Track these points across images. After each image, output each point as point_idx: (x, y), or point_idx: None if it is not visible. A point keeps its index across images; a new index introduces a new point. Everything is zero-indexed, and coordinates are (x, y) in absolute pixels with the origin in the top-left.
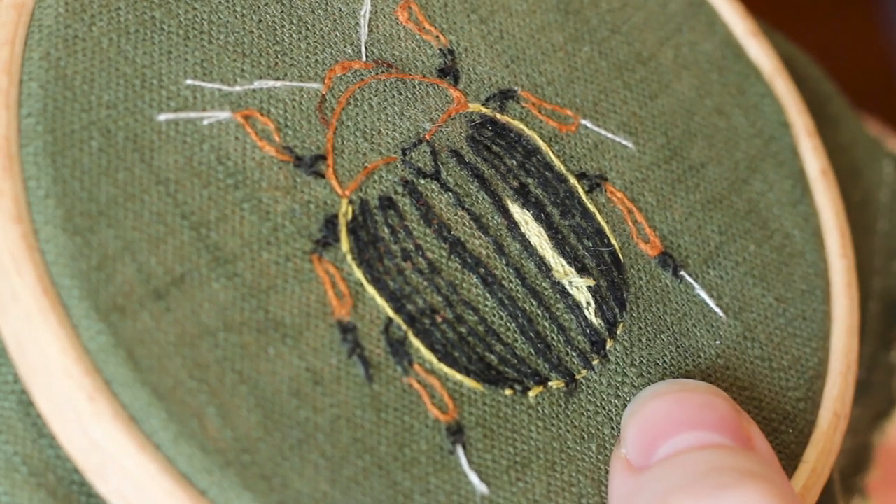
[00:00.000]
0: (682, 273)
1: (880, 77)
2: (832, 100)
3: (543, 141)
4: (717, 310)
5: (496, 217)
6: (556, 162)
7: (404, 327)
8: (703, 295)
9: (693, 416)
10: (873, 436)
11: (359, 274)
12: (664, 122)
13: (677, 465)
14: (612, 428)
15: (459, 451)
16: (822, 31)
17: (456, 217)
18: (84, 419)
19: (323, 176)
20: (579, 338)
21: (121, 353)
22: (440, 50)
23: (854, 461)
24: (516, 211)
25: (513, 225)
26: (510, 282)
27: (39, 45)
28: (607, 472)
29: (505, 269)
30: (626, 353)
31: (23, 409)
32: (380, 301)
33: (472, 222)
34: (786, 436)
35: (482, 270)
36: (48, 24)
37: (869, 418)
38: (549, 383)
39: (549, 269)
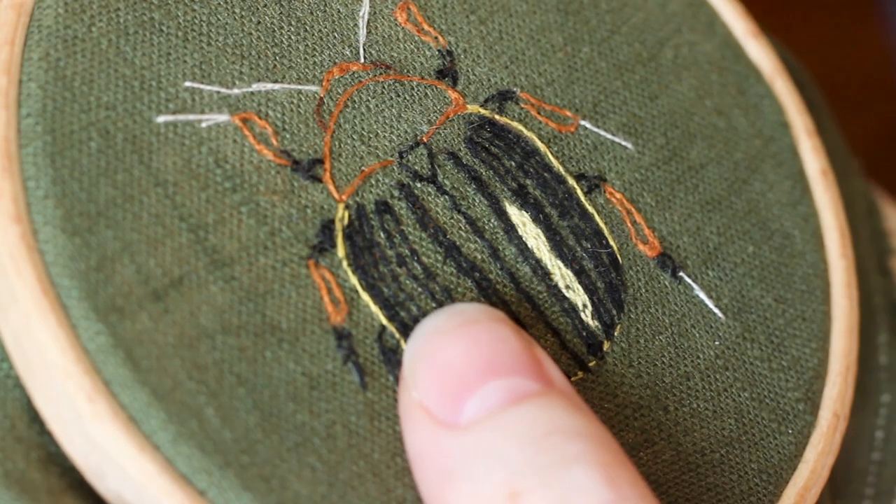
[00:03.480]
0: (681, 274)
1: (880, 77)
2: (822, 108)
3: (542, 142)
4: (716, 310)
5: (493, 220)
6: (555, 163)
7: (397, 335)
8: (702, 296)
9: (490, 357)
10: None
11: (354, 280)
12: (664, 123)
13: (502, 431)
14: (612, 427)
15: None
16: (822, 32)
17: (452, 221)
18: (83, 419)
19: (320, 180)
20: (575, 340)
21: (120, 354)
22: (439, 51)
23: (892, 455)
24: (514, 212)
25: (510, 227)
26: (504, 286)
27: (39, 46)
28: None
29: (499, 273)
30: (624, 355)
31: (27, 403)
32: (374, 308)
33: (467, 226)
34: (785, 436)
35: (477, 275)
36: (47, 24)
37: None
38: None
39: (546, 273)
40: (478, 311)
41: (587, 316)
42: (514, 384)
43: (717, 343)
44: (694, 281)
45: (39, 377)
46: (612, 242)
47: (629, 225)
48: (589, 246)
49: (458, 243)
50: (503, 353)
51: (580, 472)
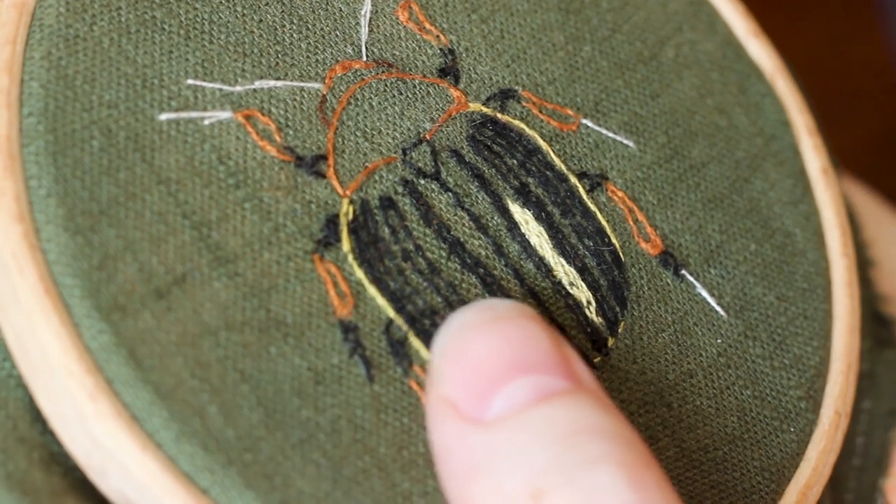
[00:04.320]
0: (683, 272)
1: (880, 77)
2: (812, 115)
3: (544, 140)
4: (718, 308)
5: (496, 217)
6: (557, 161)
7: (405, 328)
8: (705, 294)
9: (520, 353)
10: (890, 433)
11: (360, 274)
12: (665, 122)
13: (528, 429)
14: None
15: None
16: (821, 31)
17: (455, 217)
18: (86, 418)
19: (324, 176)
20: (580, 336)
21: (122, 353)
22: (440, 50)
23: (873, 461)
24: (517, 211)
25: (513, 225)
26: (508, 282)
27: (41, 45)
28: None
29: (504, 269)
30: (628, 352)
31: (29, 403)
32: (381, 301)
33: (471, 223)
34: (787, 434)
35: (481, 271)
36: (49, 23)
37: (883, 413)
38: None
39: (549, 270)
40: (508, 307)
41: (591, 312)
42: (542, 382)
43: (719, 341)
44: (696, 279)
45: (42, 376)
46: (614, 240)
47: (631, 223)
48: (591, 244)
49: (461, 239)
50: (532, 351)
51: (604, 472)
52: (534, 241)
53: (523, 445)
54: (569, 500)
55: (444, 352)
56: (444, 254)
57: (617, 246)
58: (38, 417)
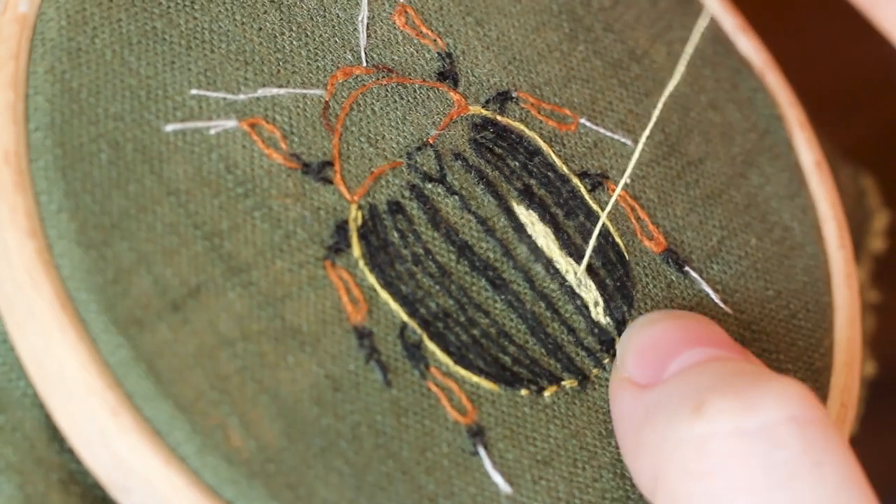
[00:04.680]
0: (687, 269)
1: (880, 77)
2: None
3: (544, 141)
4: (721, 304)
5: (502, 219)
6: (558, 162)
7: (419, 331)
8: (708, 290)
9: (695, 332)
10: None
11: (372, 279)
12: (660, 119)
13: (699, 371)
14: None
15: (482, 451)
16: (821, 32)
17: (463, 220)
18: (108, 434)
19: (331, 182)
20: (589, 338)
21: (141, 367)
22: (438, 53)
23: None
24: (522, 212)
25: (519, 227)
26: (518, 284)
27: (44, 59)
28: None
29: (513, 272)
30: None
31: (45, 421)
32: (394, 306)
33: (478, 225)
34: None
35: (490, 273)
36: (51, 37)
37: None
38: (563, 382)
39: (558, 271)
40: (689, 313)
41: (598, 313)
42: (715, 351)
43: None
44: (699, 275)
45: (60, 394)
46: (618, 240)
47: (634, 221)
48: (596, 244)
49: (470, 242)
50: (708, 332)
51: (770, 393)
52: (541, 241)
53: (691, 380)
54: (729, 405)
55: (625, 346)
56: (453, 257)
57: (621, 245)
58: (54, 437)
